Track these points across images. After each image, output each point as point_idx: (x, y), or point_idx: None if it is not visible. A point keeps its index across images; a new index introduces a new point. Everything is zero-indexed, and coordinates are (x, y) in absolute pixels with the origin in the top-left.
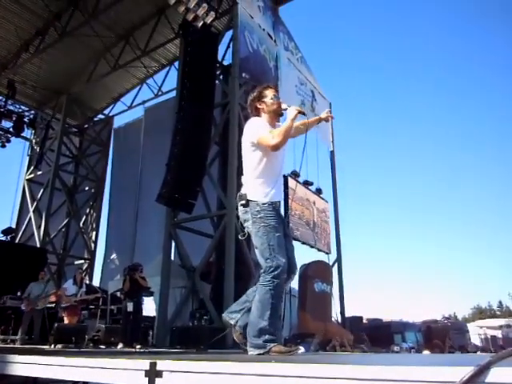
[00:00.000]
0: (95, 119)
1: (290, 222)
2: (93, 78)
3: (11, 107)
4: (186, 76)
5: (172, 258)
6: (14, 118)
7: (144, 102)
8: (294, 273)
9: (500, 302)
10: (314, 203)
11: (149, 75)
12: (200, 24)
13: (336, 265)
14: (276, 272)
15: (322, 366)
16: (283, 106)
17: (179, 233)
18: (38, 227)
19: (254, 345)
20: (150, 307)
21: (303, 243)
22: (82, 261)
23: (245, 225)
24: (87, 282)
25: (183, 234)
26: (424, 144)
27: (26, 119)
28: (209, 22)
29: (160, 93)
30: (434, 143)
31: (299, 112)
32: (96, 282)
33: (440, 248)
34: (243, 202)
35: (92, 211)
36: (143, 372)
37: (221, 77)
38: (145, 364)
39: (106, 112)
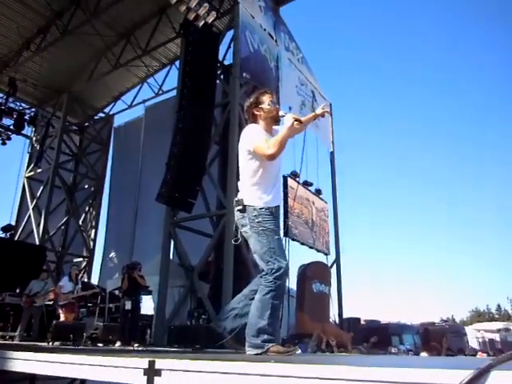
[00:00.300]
0: (96, 118)
1: (289, 220)
2: (94, 77)
3: (12, 105)
4: (187, 75)
5: (171, 257)
6: (14, 116)
7: (144, 101)
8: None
9: (498, 306)
10: (314, 203)
11: (149, 74)
12: (201, 23)
13: (335, 266)
14: (278, 273)
15: (320, 366)
16: (280, 112)
17: (178, 232)
18: (38, 225)
19: (253, 344)
20: (148, 306)
21: (302, 244)
22: (81, 259)
23: (242, 230)
24: (85, 279)
25: (182, 234)
26: (424, 145)
27: (26, 117)
28: (210, 21)
29: (160, 92)
30: (435, 144)
31: (296, 120)
32: (95, 280)
33: (439, 250)
34: (240, 207)
35: (91, 209)
36: (142, 370)
37: (221, 76)
38: (144, 362)
39: (106, 110)
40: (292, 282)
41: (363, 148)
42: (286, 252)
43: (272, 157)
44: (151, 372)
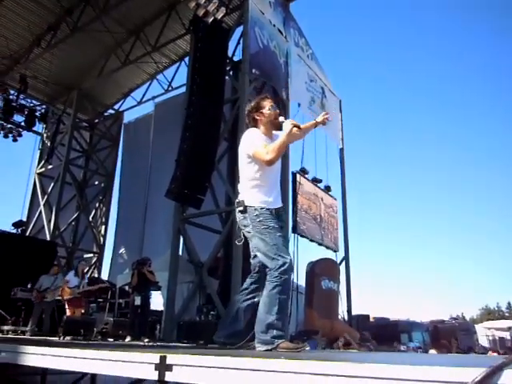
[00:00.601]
0: (105, 114)
1: (297, 216)
2: (103, 74)
3: (23, 102)
4: (196, 72)
5: (180, 253)
6: (25, 113)
7: (154, 98)
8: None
9: (509, 303)
10: (322, 199)
11: (159, 71)
12: (210, 20)
13: (344, 263)
14: (283, 268)
15: (330, 363)
16: (280, 118)
17: (187, 228)
18: (49, 221)
19: (262, 341)
20: (157, 301)
21: (311, 240)
22: (91, 254)
23: (244, 230)
24: (96, 275)
25: (191, 230)
26: (438, 142)
27: (37, 114)
28: (219, 17)
29: (170, 88)
30: (449, 141)
31: (294, 126)
32: (105, 276)
33: (450, 247)
34: (241, 208)
35: (101, 205)
36: (153, 365)
37: (231, 73)
38: (155, 358)
39: (116, 107)
40: (301, 279)
41: (374, 145)
42: (295, 249)
43: (270, 162)
44: (162, 367)
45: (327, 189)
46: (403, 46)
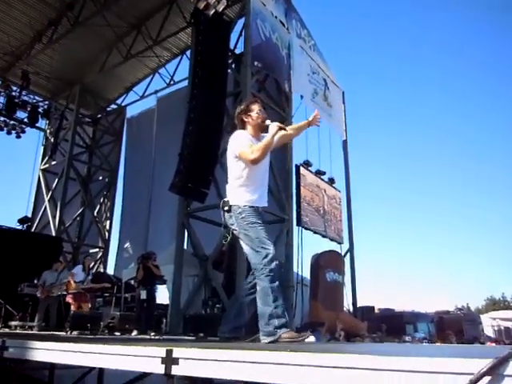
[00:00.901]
0: (108, 109)
1: (300, 209)
2: (105, 68)
3: (26, 98)
4: (198, 65)
5: (185, 246)
6: (28, 109)
7: (156, 92)
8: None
9: None
10: (325, 190)
11: (161, 65)
12: (212, 12)
13: (348, 255)
14: (267, 259)
15: (335, 355)
16: (267, 122)
17: (192, 222)
18: (54, 216)
19: (266, 332)
20: (163, 295)
21: (315, 233)
22: (97, 249)
23: (232, 228)
24: (101, 269)
25: (196, 223)
26: (440, 134)
27: (40, 109)
28: (220, 10)
29: (172, 82)
30: (451, 134)
31: (280, 128)
32: (110, 270)
33: (455, 238)
34: (226, 207)
35: (106, 200)
36: (160, 359)
37: (233, 66)
38: (161, 351)
39: (118, 102)
40: (305, 271)
41: (379, 136)
42: (299, 241)
43: (254, 161)
44: (169, 361)
45: (331, 181)
46: (406, 38)
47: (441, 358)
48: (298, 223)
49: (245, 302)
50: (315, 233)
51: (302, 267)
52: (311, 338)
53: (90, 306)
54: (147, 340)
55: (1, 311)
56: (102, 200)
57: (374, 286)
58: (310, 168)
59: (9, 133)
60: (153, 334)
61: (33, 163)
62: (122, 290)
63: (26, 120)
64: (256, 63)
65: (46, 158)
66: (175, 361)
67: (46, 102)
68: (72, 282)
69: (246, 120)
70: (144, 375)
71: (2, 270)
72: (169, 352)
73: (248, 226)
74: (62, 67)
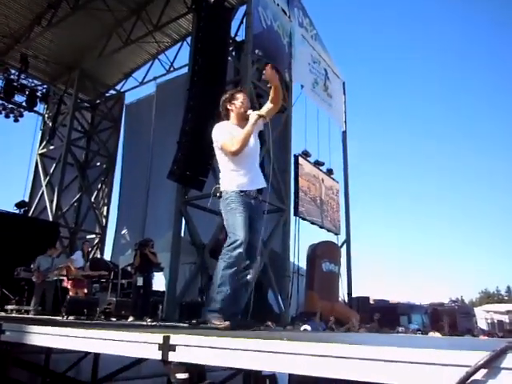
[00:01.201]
0: (107, 95)
1: (298, 199)
2: (105, 53)
3: (24, 81)
4: (199, 52)
5: (182, 234)
6: (26, 93)
7: (156, 78)
8: (255, 259)
9: (508, 287)
10: (323, 180)
11: (160, 51)
12: None
13: (345, 246)
14: (232, 246)
15: (327, 345)
16: (249, 111)
17: (189, 210)
18: (51, 201)
19: (207, 313)
20: (159, 282)
21: (312, 223)
22: (94, 235)
23: (221, 213)
24: (98, 255)
25: (193, 211)
26: (441, 127)
27: (38, 94)
28: None
29: (172, 69)
30: (452, 126)
31: (260, 116)
32: (107, 256)
33: (451, 231)
34: (217, 194)
35: (103, 186)
36: (157, 345)
37: (233, 53)
38: (158, 338)
39: (117, 88)
40: (302, 261)
41: (379, 126)
42: (296, 231)
43: (235, 153)
44: (166, 347)
45: (329, 172)
46: (408, 29)
47: (437, 349)
48: (296, 213)
49: (237, 289)
50: (312, 223)
51: (299, 257)
52: (306, 328)
53: (86, 291)
54: (144, 326)
55: None
56: (99, 186)
57: (370, 278)
58: (308, 158)
59: (7, 116)
60: (149, 320)
61: (31, 147)
62: (118, 276)
63: (24, 104)
64: (257, 51)
65: (44, 142)
66: (172, 347)
67: (45, 86)
68: (72, 267)
69: (229, 108)
70: (139, 361)
71: None
72: (166, 338)
73: (228, 211)
74: (61, 51)
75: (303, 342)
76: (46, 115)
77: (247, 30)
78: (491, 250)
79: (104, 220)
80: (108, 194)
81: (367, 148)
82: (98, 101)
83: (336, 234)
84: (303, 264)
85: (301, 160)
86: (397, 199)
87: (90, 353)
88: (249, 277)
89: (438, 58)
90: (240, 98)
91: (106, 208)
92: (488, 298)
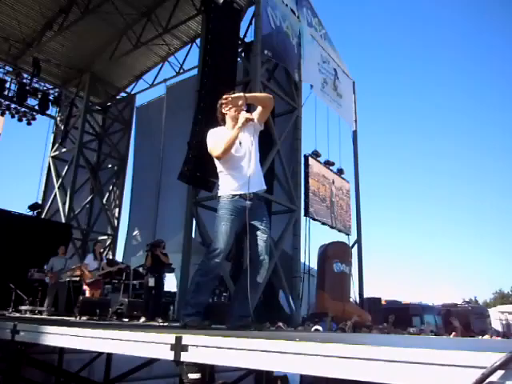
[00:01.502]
0: (118, 97)
1: (308, 199)
2: (115, 56)
3: (36, 85)
4: (208, 53)
5: (193, 235)
6: (39, 96)
7: (166, 80)
8: (260, 264)
9: None
10: (333, 181)
11: (170, 53)
12: (222, 0)
13: (356, 246)
14: (210, 254)
15: (338, 345)
16: (241, 114)
17: (200, 211)
18: (63, 203)
19: (181, 316)
20: (171, 283)
21: (323, 224)
22: (106, 236)
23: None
24: (110, 256)
25: (204, 212)
26: (456, 124)
27: (50, 97)
28: None
29: (181, 71)
30: (464, 126)
31: (248, 119)
32: (119, 258)
33: (463, 231)
34: (217, 199)
35: (115, 188)
36: (169, 346)
37: (242, 54)
38: (171, 338)
39: (128, 90)
40: (312, 262)
41: (389, 127)
42: (307, 232)
43: (219, 157)
44: (178, 347)
45: (340, 172)
46: (418, 29)
47: (453, 350)
48: (306, 214)
49: (249, 292)
50: (323, 223)
51: (310, 258)
52: (317, 328)
53: (100, 292)
54: (156, 327)
55: (11, 296)
56: (111, 188)
57: (381, 278)
58: (318, 158)
59: (20, 120)
60: (161, 320)
61: (43, 150)
62: (130, 276)
63: (36, 107)
64: (266, 52)
65: (56, 145)
66: (184, 348)
67: (57, 90)
68: (86, 272)
69: (224, 112)
70: (151, 361)
71: (12, 256)
72: (178, 339)
73: (217, 218)
74: (72, 55)
75: (315, 342)
76: (58, 118)
77: (256, 31)
78: (505, 250)
79: (116, 221)
80: (119, 196)
81: (379, 147)
82: (108, 103)
83: (347, 235)
84: (314, 264)
85: (311, 160)
86: (409, 199)
87: (102, 353)
88: (258, 278)
89: (450, 55)
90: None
91: (117, 209)
92: (502, 298)
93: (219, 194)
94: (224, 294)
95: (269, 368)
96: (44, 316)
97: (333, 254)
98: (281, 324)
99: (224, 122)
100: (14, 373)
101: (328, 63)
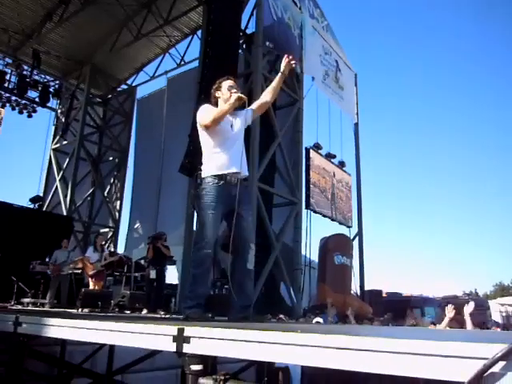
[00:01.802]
0: (118, 89)
1: (309, 191)
2: (116, 48)
3: (37, 77)
4: (209, 45)
5: (194, 228)
6: (39, 88)
7: (167, 72)
8: (247, 251)
9: None
10: (334, 174)
11: (171, 45)
12: None
13: (357, 238)
14: (197, 246)
15: (338, 336)
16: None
17: None
18: (65, 196)
19: (182, 310)
20: (172, 275)
21: (324, 216)
22: (107, 229)
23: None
24: (112, 249)
25: None
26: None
27: (51, 89)
28: None
29: (182, 63)
30: (465, 118)
31: (239, 99)
32: (121, 250)
33: (464, 223)
34: (198, 180)
35: (116, 181)
36: (171, 337)
37: (244, 46)
38: (173, 330)
39: (128, 82)
40: (313, 254)
41: (391, 119)
42: (308, 224)
43: (206, 126)
44: (180, 339)
45: (341, 164)
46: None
47: (454, 342)
48: (307, 206)
49: (243, 281)
50: (324, 216)
51: (311, 250)
52: (319, 320)
53: (102, 284)
54: (158, 318)
55: (13, 288)
56: (112, 180)
57: (382, 271)
58: (320, 151)
59: (20, 112)
60: (162, 312)
61: (44, 143)
62: (132, 269)
63: (37, 99)
64: (267, 44)
65: (57, 137)
66: (186, 339)
67: (57, 82)
68: (88, 264)
69: (217, 96)
70: (153, 353)
71: (14, 249)
72: (180, 331)
73: (201, 206)
74: (72, 46)
75: (316, 333)
76: (59, 111)
77: (257, 22)
78: (506, 243)
79: (117, 214)
80: (121, 188)
81: (380, 140)
82: (109, 95)
83: (348, 227)
84: (315, 257)
85: (312, 153)
86: (410, 191)
87: (105, 345)
88: (248, 265)
89: (453, 48)
90: (226, 84)
91: (118, 202)
92: (503, 290)
93: (203, 176)
94: (225, 286)
95: (270, 359)
96: (46, 308)
97: (334, 246)
98: (282, 316)
99: (216, 106)
100: (17, 365)
101: (330, 55)
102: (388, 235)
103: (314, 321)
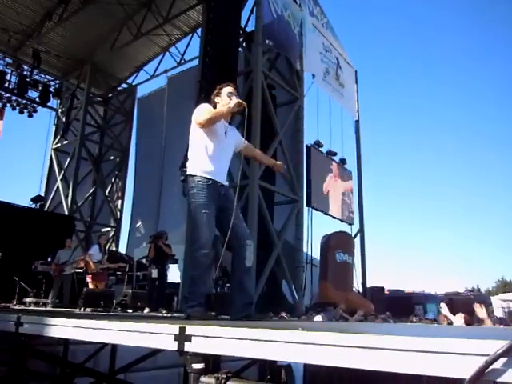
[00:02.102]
0: (119, 88)
1: (311, 190)
2: (116, 47)
3: (37, 77)
4: (209, 43)
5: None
6: (40, 88)
7: (167, 71)
8: (244, 249)
9: None
10: (336, 171)
11: (171, 43)
12: None
13: (358, 236)
14: (194, 246)
15: (340, 334)
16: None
17: None
18: (66, 196)
19: (184, 309)
20: (174, 274)
21: (325, 214)
22: (109, 228)
23: (186, 199)
24: (114, 248)
25: None
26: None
27: (51, 89)
28: None
29: (183, 61)
30: (467, 114)
31: (239, 105)
32: (122, 249)
33: (466, 219)
34: (182, 177)
35: (117, 180)
36: (173, 336)
37: (244, 44)
38: (174, 329)
39: (129, 81)
40: (315, 252)
41: (391, 116)
42: (310, 222)
43: (201, 124)
44: (182, 338)
45: (342, 162)
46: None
47: (455, 338)
48: (308, 204)
49: (243, 278)
50: (325, 214)
51: (312, 248)
52: (319, 318)
53: (104, 284)
54: (160, 318)
55: (15, 288)
56: (113, 180)
57: (384, 269)
58: (320, 149)
59: (21, 112)
60: (164, 311)
61: (45, 142)
62: (133, 268)
63: (37, 99)
64: (267, 42)
65: (58, 137)
66: (188, 338)
67: (57, 81)
68: (91, 262)
69: (216, 101)
70: (156, 351)
71: (16, 248)
72: (182, 329)
73: (195, 206)
74: (72, 46)
75: (317, 331)
76: (60, 110)
77: (257, 20)
78: (507, 239)
79: (118, 213)
80: (122, 188)
81: (382, 138)
82: (110, 95)
83: (350, 225)
84: (317, 255)
85: (313, 150)
86: (412, 188)
87: (107, 344)
88: (246, 262)
89: (453, 44)
90: (225, 91)
91: (120, 201)
92: (505, 286)
93: (192, 173)
94: (227, 285)
95: (272, 357)
96: (48, 308)
97: (335, 244)
98: (284, 314)
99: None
100: (19, 364)
101: (330, 52)
102: (390, 232)
103: (315, 318)
